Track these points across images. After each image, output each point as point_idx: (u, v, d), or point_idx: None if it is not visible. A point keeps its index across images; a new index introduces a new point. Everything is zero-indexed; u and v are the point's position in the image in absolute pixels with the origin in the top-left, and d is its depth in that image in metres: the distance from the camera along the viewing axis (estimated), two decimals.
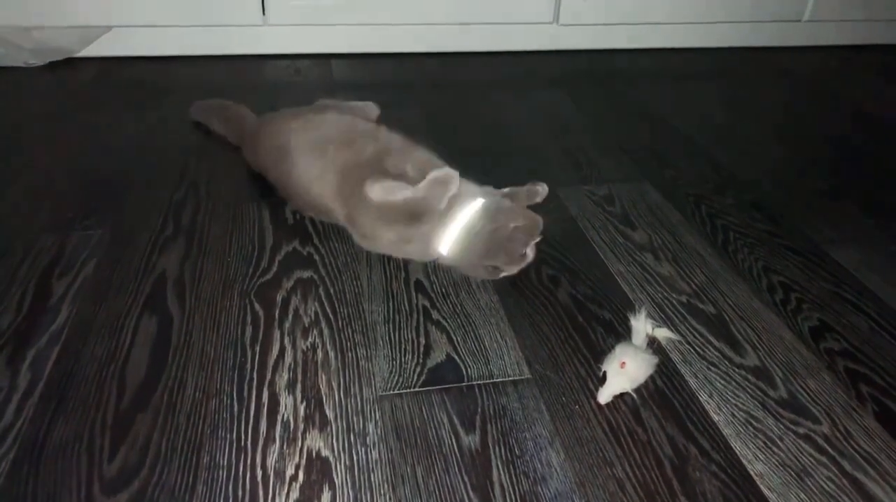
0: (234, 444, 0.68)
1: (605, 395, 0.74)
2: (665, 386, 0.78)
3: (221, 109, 1.30)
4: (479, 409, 0.74)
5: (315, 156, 1.00)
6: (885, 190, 1.24)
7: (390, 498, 0.64)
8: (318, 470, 0.66)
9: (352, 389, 0.76)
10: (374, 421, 0.72)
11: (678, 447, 0.70)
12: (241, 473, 0.66)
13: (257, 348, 0.81)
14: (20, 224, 1.02)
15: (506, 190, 1.05)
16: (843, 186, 1.24)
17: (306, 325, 0.84)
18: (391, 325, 0.85)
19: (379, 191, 0.91)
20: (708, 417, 0.74)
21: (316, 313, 0.87)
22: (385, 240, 0.95)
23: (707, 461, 0.69)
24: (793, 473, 0.68)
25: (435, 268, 0.96)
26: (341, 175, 0.97)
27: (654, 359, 0.78)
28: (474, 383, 0.77)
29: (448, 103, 1.52)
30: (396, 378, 0.77)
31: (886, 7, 1.96)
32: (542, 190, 1.09)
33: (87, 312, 0.85)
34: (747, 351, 0.84)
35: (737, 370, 0.81)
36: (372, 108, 1.27)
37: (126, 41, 1.65)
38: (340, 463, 0.67)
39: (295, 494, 0.64)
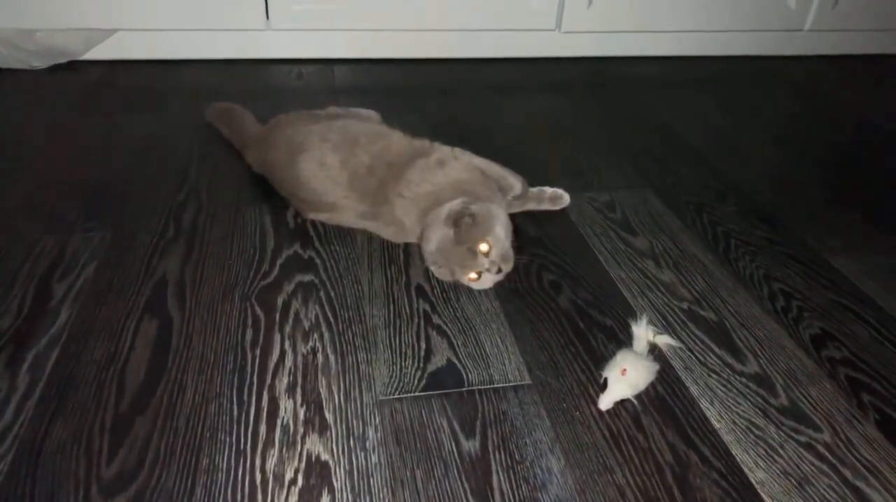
0: (234, 448, 0.68)
1: (605, 402, 0.74)
2: (666, 393, 0.78)
3: (228, 112, 1.31)
4: (480, 414, 0.73)
5: (339, 156, 1.02)
6: (885, 199, 1.24)
7: None
8: (317, 474, 0.66)
9: (352, 393, 0.75)
10: (373, 426, 0.71)
11: (679, 454, 0.70)
12: (240, 477, 0.65)
13: (257, 351, 0.80)
14: (21, 225, 1.02)
15: (534, 189, 1.12)
16: (844, 195, 1.25)
17: (307, 329, 0.84)
18: (392, 329, 0.85)
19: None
20: (709, 424, 0.74)
21: (316, 317, 0.86)
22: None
23: (708, 468, 0.69)
24: (794, 481, 0.68)
25: None
26: (367, 172, 1.00)
27: (655, 366, 0.78)
28: (475, 388, 0.77)
29: (450, 109, 1.53)
30: (397, 382, 0.77)
31: (887, 18, 1.97)
32: (565, 197, 1.14)
33: (87, 314, 0.85)
34: (748, 358, 0.84)
35: (738, 377, 0.80)
36: (374, 116, 1.28)
37: (129, 44, 1.66)
38: (340, 468, 0.67)
39: (294, 498, 0.64)
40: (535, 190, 1.12)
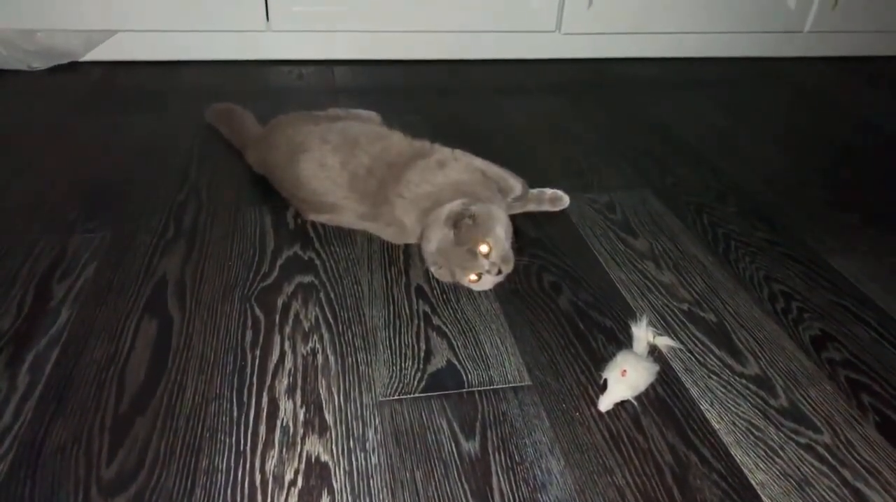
0: (233, 449, 0.68)
1: (605, 403, 0.74)
2: (666, 395, 0.78)
3: (228, 113, 1.31)
4: (479, 415, 0.73)
5: (339, 157, 1.02)
6: (885, 200, 1.24)
7: None
8: (317, 475, 0.66)
9: (352, 394, 0.75)
10: (373, 427, 0.71)
11: (679, 455, 0.70)
12: (239, 478, 0.65)
13: (257, 352, 0.80)
14: (22, 226, 1.02)
15: (534, 191, 1.12)
16: (844, 196, 1.25)
17: (307, 330, 0.84)
18: (392, 330, 0.85)
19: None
20: (709, 426, 0.74)
21: (316, 318, 0.86)
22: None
23: (708, 469, 0.69)
24: (794, 483, 0.68)
25: None
26: (367, 173, 1.00)
27: (655, 367, 0.78)
28: (474, 389, 0.77)
29: (450, 110, 1.53)
30: (396, 383, 0.77)
31: (886, 19, 1.97)
32: (565, 199, 1.15)
33: (87, 315, 0.85)
34: (748, 359, 0.84)
35: (738, 379, 0.80)
36: (374, 117, 1.28)
37: (130, 45, 1.66)
38: (340, 469, 0.67)
39: (294, 499, 0.64)
40: (534, 191, 1.12)
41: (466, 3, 1.71)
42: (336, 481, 0.65)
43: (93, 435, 0.69)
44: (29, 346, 0.79)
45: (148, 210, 1.07)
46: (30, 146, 1.27)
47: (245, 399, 0.74)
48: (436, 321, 0.87)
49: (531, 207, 1.12)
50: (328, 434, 0.70)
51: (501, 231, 0.92)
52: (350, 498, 0.64)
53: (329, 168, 1.01)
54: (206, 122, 1.36)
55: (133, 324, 0.83)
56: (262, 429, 0.70)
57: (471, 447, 0.70)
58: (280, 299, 0.89)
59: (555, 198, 1.13)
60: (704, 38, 1.91)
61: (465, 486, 0.65)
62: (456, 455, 0.69)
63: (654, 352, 0.82)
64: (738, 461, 0.70)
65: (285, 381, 0.77)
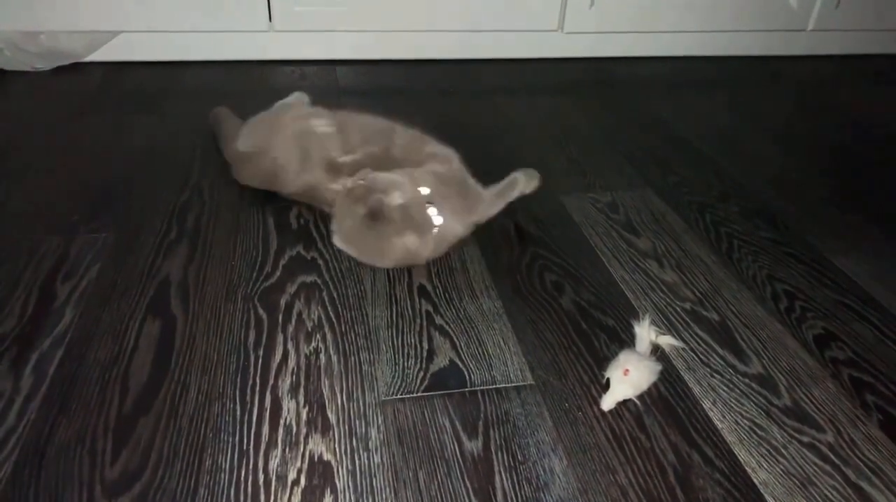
0: (237, 448, 0.68)
1: (608, 402, 0.74)
2: (669, 394, 0.78)
3: (226, 120, 1.29)
4: (482, 415, 0.73)
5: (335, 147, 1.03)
6: (889, 199, 1.24)
7: None
8: (319, 474, 0.66)
9: (354, 394, 0.76)
10: (376, 426, 0.72)
11: (681, 454, 0.70)
12: (242, 477, 0.65)
13: (260, 352, 0.81)
14: (25, 227, 1.02)
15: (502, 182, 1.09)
16: (847, 195, 1.24)
17: (309, 330, 0.84)
18: (394, 330, 0.85)
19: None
20: (711, 425, 0.74)
21: (319, 317, 0.87)
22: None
23: (710, 469, 0.69)
24: (797, 482, 0.68)
25: (439, 272, 0.96)
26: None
27: (658, 367, 0.78)
28: (477, 388, 0.77)
29: (452, 110, 1.53)
30: (399, 382, 0.77)
31: (889, 17, 1.96)
32: (532, 174, 1.11)
33: (90, 315, 0.85)
34: (751, 359, 0.83)
35: (741, 378, 0.80)
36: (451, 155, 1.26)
37: (133, 46, 1.66)
38: (342, 468, 0.67)
39: (297, 498, 0.64)
40: (503, 182, 1.08)
41: (468, 3, 1.71)
42: (339, 480, 0.66)
43: (97, 436, 0.69)
44: (33, 347, 0.80)
45: (151, 211, 1.08)
46: (33, 147, 1.28)
47: (248, 398, 0.74)
48: (438, 320, 0.87)
49: (514, 195, 1.09)
50: (331, 433, 0.71)
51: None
52: (353, 498, 0.64)
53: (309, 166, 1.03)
54: (208, 123, 1.36)
55: (136, 325, 0.84)
56: (266, 429, 0.71)
57: (473, 446, 0.70)
58: (283, 299, 0.89)
59: (523, 181, 1.09)
60: (707, 37, 1.91)
61: (468, 485, 0.66)
62: (458, 454, 0.69)
63: (656, 351, 0.82)
64: (740, 460, 0.70)
65: (288, 381, 0.77)
